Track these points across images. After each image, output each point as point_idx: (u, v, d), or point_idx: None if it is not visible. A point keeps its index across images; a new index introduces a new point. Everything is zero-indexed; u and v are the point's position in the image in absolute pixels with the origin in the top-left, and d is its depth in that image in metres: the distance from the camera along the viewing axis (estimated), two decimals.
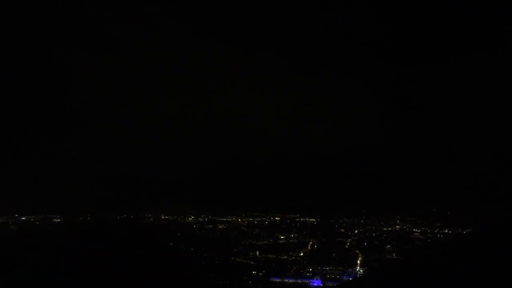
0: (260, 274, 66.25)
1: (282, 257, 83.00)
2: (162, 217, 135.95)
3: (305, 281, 65.02)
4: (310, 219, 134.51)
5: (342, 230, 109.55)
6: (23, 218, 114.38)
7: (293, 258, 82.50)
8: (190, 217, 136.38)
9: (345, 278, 65.31)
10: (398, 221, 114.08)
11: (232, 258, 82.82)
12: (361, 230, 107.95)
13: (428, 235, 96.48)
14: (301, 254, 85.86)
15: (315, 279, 64.57)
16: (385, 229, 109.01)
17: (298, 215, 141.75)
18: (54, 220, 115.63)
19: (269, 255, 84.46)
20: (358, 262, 75.69)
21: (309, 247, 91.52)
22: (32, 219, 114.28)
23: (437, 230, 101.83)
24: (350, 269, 69.89)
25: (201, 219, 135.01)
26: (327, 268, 72.08)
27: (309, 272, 70.77)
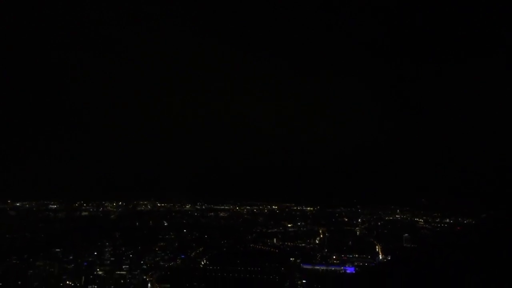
0: (298, 260, 66.37)
1: (300, 245, 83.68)
2: (158, 204, 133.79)
3: (337, 268, 65.80)
4: (308, 208, 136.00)
5: (346, 219, 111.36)
6: (18, 204, 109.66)
7: (311, 245, 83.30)
8: (187, 205, 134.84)
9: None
10: (398, 211, 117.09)
11: (251, 245, 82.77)
12: (364, 219, 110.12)
13: (433, 224, 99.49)
14: (317, 242, 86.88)
15: (347, 266, 65.51)
16: (386, 218, 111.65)
17: (293, 204, 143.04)
18: (50, 206, 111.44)
19: (286, 243, 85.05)
20: (379, 250, 77.30)
21: (321, 235, 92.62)
22: (27, 205, 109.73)
23: (438, 219, 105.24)
24: (377, 257, 71.30)
25: (198, 207, 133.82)
26: (351, 256, 73.27)
27: (335, 260, 71.68)
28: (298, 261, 66.01)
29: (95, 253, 62.17)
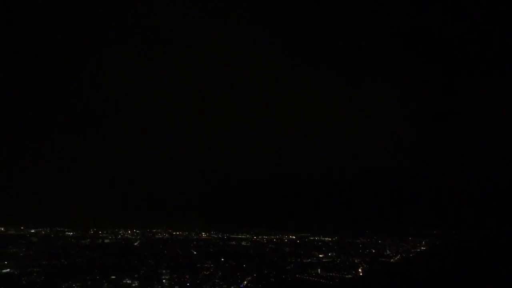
0: None
1: (346, 276, 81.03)
2: (174, 233, 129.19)
3: None
4: (326, 238, 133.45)
5: (373, 250, 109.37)
6: (32, 230, 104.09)
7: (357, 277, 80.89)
8: (203, 234, 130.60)
9: None
10: (423, 242, 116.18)
11: (298, 276, 79.55)
12: (393, 250, 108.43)
13: None
14: (360, 272, 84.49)
15: None
16: (413, 250, 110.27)
17: (309, 234, 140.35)
18: (67, 233, 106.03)
19: (331, 273, 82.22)
20: None
21: (360, 266, 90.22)
22: (43, 232, 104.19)
23: None
24: None
25: (215, 235, 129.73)
26: None
27: None
28: None
29: (163, 280, 58.10)
